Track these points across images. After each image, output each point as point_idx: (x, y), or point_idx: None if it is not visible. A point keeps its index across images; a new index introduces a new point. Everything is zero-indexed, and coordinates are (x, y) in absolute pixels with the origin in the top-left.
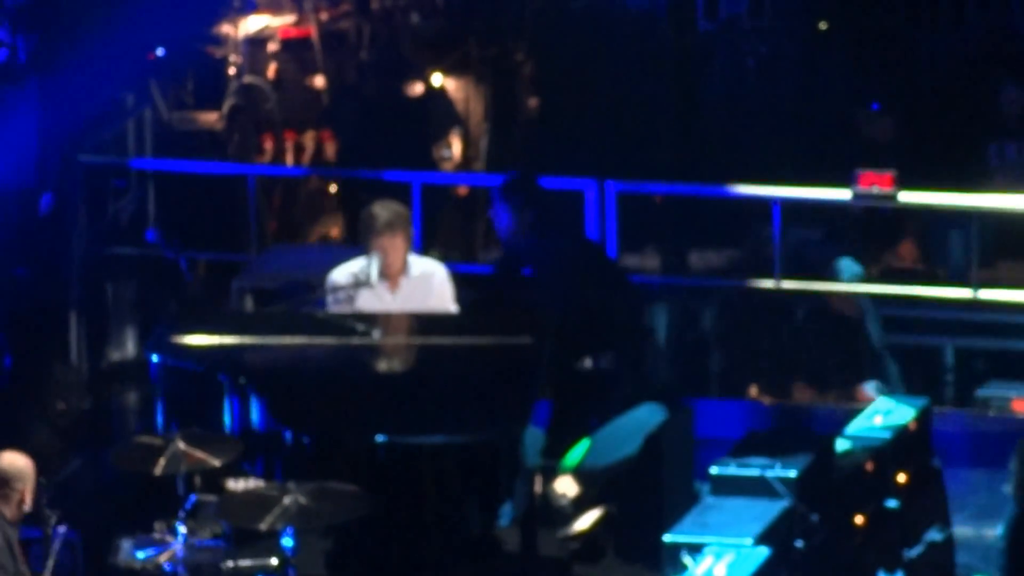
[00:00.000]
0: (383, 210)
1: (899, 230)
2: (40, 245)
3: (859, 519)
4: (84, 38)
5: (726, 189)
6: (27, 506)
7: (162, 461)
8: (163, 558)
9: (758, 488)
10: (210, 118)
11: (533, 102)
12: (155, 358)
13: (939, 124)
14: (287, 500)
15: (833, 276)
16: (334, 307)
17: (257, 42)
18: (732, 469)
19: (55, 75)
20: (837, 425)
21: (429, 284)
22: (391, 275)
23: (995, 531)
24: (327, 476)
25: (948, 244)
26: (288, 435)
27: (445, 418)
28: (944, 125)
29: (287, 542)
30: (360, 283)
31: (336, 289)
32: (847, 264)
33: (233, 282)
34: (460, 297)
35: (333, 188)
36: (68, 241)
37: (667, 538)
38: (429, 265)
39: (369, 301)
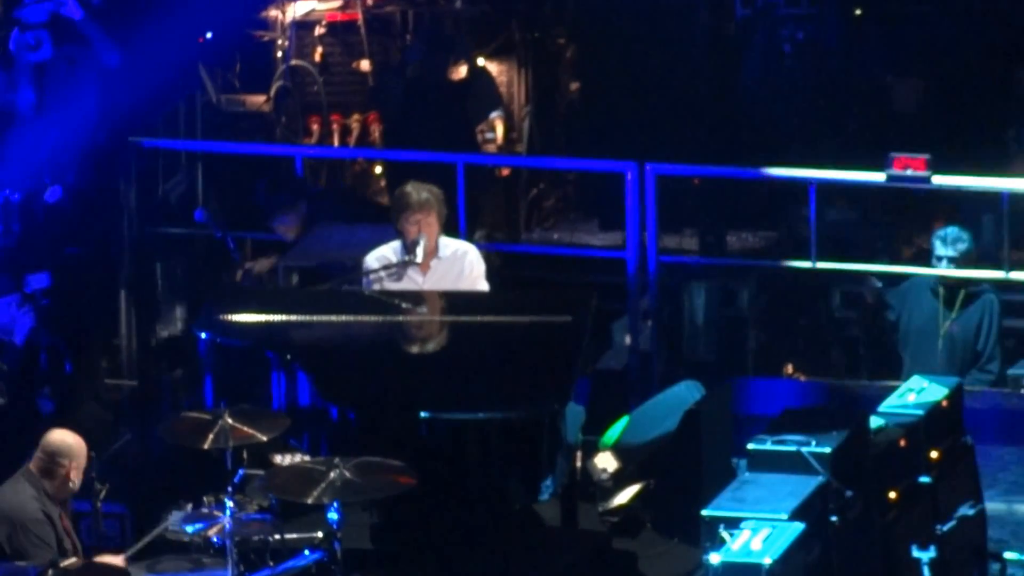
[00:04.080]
0: (415, 189)
1: (932, 212)
2: (92, 225)
3: (892, 495)
4: (136, 22)
5: (763, 171)
6: (73, 485)
7: (210, 436)
8: (211, 531)
9: (794, 464)
10: (258, 100)
11: (574, 85)
12: (203, 335)
13: (964, 110)
14: (333, 475)
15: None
16: (371, 283)
17: (304, 26)
18: (768, 445)
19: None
20: (871, 402)
21: (460, 265)
22: (423, 255)
23: None
24: (372, 451)
25: (980, 226)
26: (334, 411)
27: (488, 395)
28: (968, 111)
29: (333, 516)
30: (406, 262)
31: (370, 272)
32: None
33: (280, 261)
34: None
35: (378, 169)
36: (119, 221)
37: (705, 513)
38: (460, 246)
39: (402, 282)
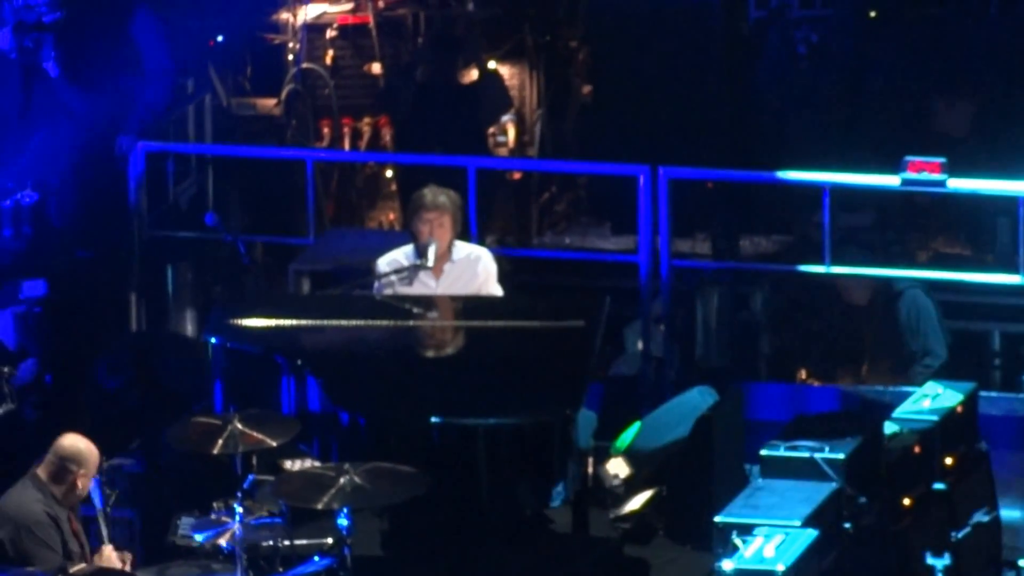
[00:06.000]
0: (431, 192)
1: (948, 216)
2: (102, 228)
3: (907, 501)
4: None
5: (776, 175)
6: (80, 492)
7: (220, 441)
8: (220, 537)
9: (807, 470)
10: (268, 104)
11: (586, 89)
12: (213, 340)
13: (985, 114)
14: (343, 480)
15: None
16: (379, 292)
17: (315, 29)
18: (782, 451)
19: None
20: (885, 408)
21: (473, 269)
22: (435, 259)
23: None
24: (382, 457)
25: (996, 230)
26: (344, 416)
27: (499, 400)
28: (989, 115)
29: (343, 522)
30: (418, 265)
31: (381, 275)
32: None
33: (291, 265)
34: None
35: (390, 173)
36: (129, 224)
37: (718, 519)
38: (473, 250)
39: (414, 286)
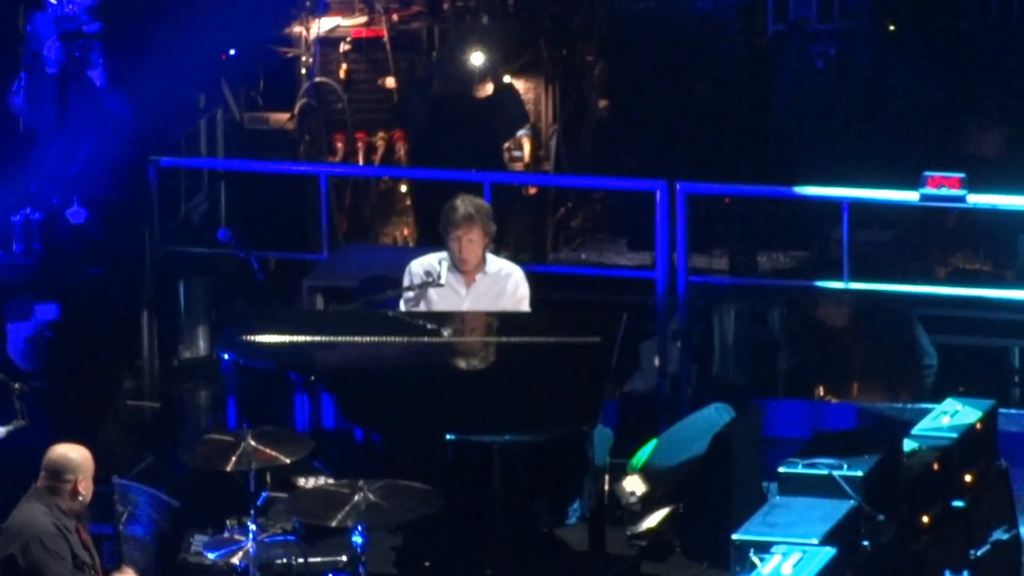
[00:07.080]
0: (463, 203)
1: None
2: (115, 244)
3: (925, 519)
4: (157, 41)
5: (794, 191)
6: (83, 497)
7: (233, 458)
8: (234, 555)
9: (825, 488)
10: (281, 118)
11: (603, 103)
12: (226, 356)
13: (1017, 134)
14: (357, 497)
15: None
16: (408, 299)
17: (328, 42)
18: (799, 468)
19: (128, 78)
20: (904, 425)
21: (503, 285)
22: (466, 271)
23: None
24: (397, 474)
25: (1016, 246)
26: (358, 433)
27: (514, 417)
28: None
29: (357, 539)
30: (428, 283)
31: (412, 280)
32: None
33: (304, 281)
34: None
35: (404, 188)
36: (141, 240)
37: (735, 537)
38: (505, 265)
39: (443, 295)
